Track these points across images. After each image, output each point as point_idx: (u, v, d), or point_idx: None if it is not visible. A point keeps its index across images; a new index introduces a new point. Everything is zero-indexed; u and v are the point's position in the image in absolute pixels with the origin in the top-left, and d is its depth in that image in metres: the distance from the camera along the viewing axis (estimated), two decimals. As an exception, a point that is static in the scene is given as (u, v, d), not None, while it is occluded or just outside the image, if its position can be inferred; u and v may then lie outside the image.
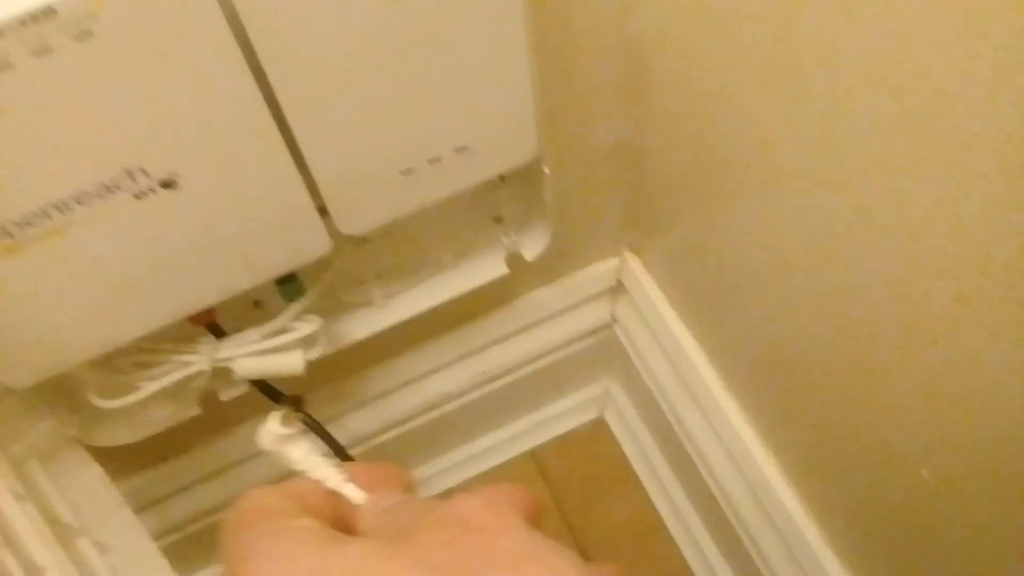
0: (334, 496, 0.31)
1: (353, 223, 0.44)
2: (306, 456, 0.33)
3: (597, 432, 0.93)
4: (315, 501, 0.30)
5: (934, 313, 0.38)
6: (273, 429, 0.33)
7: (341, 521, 0.30)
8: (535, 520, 0.27)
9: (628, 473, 0.90)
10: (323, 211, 0.43)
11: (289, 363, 0.49)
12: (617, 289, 0.76)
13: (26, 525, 0.39)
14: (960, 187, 0.33)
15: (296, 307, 0.48)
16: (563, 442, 0.92)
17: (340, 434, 0.65)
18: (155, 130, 0.34)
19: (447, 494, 0.89)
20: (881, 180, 0.38)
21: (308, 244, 0.43)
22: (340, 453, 0.61)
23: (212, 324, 0.47)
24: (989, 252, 0.34)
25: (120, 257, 0.37)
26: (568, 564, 0.25)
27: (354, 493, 0.31)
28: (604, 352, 0.82)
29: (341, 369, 0.67)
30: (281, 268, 0.44)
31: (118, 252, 0.37)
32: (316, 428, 0.58)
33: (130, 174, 0.34)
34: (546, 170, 0.50)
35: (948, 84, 0.31)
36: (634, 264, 0.72)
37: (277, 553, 0.26)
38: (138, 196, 0.35)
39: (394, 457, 0.81)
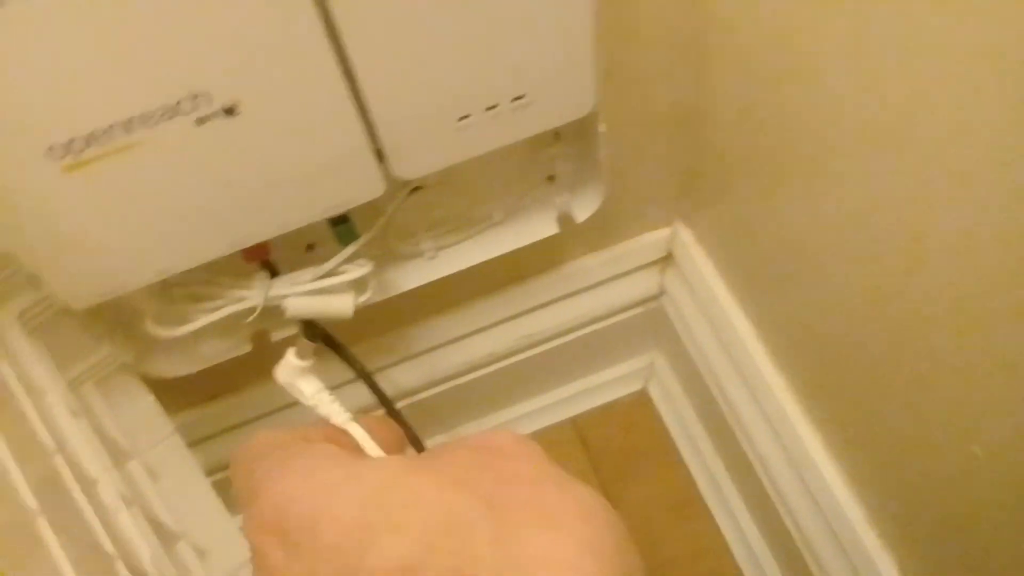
0: (346, 438, 0.32)
1: (407, 167, 0.45)
2: (316, 392, 0.33)
3: (639, 404, 0.93)
4: (331, 438, 0.31)
5: (995, 282, 0.38)
6: (290, 361, 0.34)
7: None
8: None
9: (668, 446, 0.90)
10: (379, 155, 0.44)
11: (339, 305, 0.50)
12: (667, 260, 0.75)
13: (80, 439, 0.41)
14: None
15: (349, 250, 0.49)
16: (605, 412, 0.92)
17: (384, 387, 0.66)
18: (219, 55, 0.34)
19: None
20: (959, 151, 0.37)
21: (363, 185, 0.44)
22: (384, 403, 0.61)
23: (266, 262, 0.48)
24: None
25: (179, 182, 0.38)
26: (596, 500, 0.25)
27: (358, 432, 0.32)
28: (651, 324, 0.82)
29: (389, 321, 0.68)
30: (335, 207, 0.44)
31: (178, 177, 0.38)
32: (366, 378, 0.59)
33: (194, 98, 0.35)
34: (602, 128, 0.50)
35: None
36: (686, 235, 0.72)
37: (302, 467, 0.26)
38: (200, 121, 0.36)
39: (436, 415, 0.82)
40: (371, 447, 0.32)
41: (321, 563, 0.23)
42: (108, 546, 0.37)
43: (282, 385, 0.39)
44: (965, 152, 0.36)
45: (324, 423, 0.33)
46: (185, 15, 0.33)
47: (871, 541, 0.60)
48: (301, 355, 0.39)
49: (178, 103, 0.35)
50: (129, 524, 0.40)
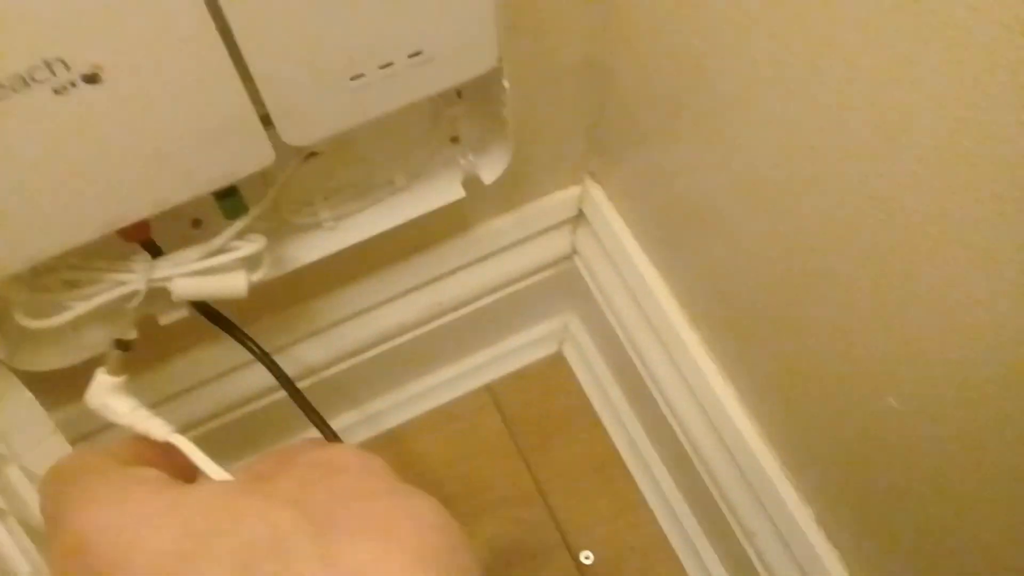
0: (170, 455, 0.30)
1: (297, 133, 0.41)
2: (132, 409, 0.31)
3: (555, 367, 0.92)
4: (151, 458, 0.29)
5: (912, 231, 0.37)
6: (102, 380, 0.32)
7: (183, 478, 0.29)
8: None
9: (585, 408, 0.90)
10: (267, 120, 0.40)
11: (231, 284, 0.46)
12: (578, 219, 0.74)
13: (-56, 450, 0.37)
14: (949, 99, 0.32)
15: (238, 225, 0.46)
16: (520, 377, 0.91)
17: (290, 365, 0.63)
18: (75, 14, 0.30)
19: (401, 430, 0.87)
20: (868, 96, 0.36)
21: (249, 154, 0.40)
22: (285, 384, 0.58)
23: (147, 241, 0.44)
24: (974, 168, 0.32)
25: (43, 160, 0.34)
26: (428, 506, 0.24)
27: (185, 445, 0.30)
28: (564, 285, 0.81)
29: (290, 297, 0.64)
30: (219, 180, 0.41)
31: (40, 154, 0.34)
32: (263, 359, 0.56)
33: (49, 65, 0.31)
34: (506, 84, 0.48)
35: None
36: (596, 193, 0.70)
37: (119, 497, 0.24)
38: (58, 91, 0.32)
39: (344, 392, 0.79)
40: (200, 458, 0.30)
41: None
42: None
43: (94, 409, 0.35)
44: (876, 99, 0.35)
45: (140, 441, 0.31)
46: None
47: (788, 493, 0.60)
48: (113, 371, 0.36)
49: (31, 72, 0.31)
50: (5, 539, 0.36)
